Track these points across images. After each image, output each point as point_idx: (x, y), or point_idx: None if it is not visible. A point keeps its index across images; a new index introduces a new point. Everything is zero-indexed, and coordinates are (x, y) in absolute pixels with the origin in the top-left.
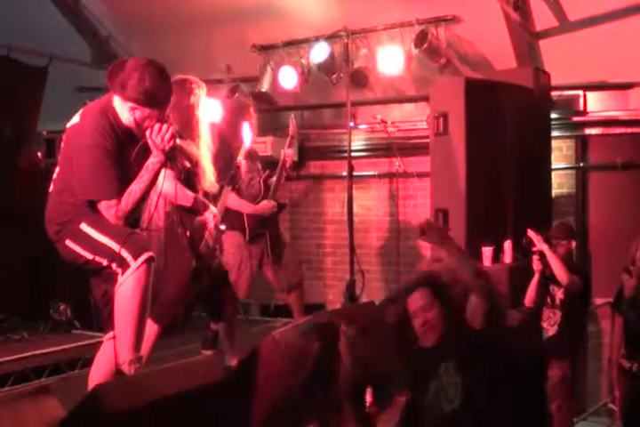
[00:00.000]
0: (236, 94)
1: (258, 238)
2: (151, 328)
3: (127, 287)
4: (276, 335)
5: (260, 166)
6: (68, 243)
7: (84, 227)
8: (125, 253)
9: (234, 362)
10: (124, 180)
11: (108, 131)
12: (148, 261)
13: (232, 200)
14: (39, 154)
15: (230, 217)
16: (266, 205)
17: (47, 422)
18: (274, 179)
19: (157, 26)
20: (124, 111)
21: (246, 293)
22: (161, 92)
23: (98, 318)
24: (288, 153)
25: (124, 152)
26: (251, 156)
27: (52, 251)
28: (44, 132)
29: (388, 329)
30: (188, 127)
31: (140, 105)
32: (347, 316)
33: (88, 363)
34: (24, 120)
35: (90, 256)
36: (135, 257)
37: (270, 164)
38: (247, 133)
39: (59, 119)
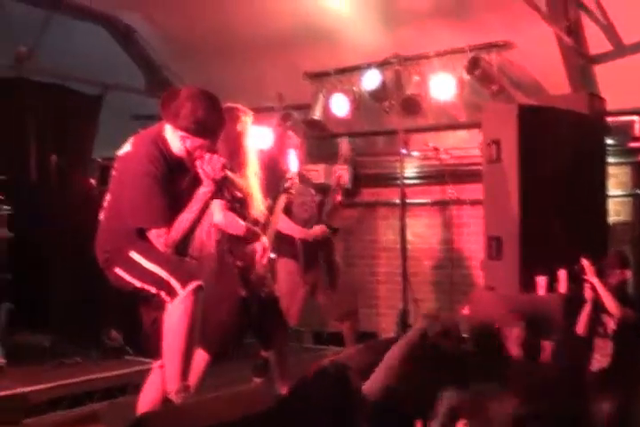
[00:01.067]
0: (288, 122)
1: (311, 265)
2: (201, 356)
3: (175, 316)
4: (326, 363)
5: (313, 192)
6: (118, 270)
7: (134, 255)
8: (174, 282)
9: (284, 390)
10: (175, 208)
11: (159, 159)
12: (197, 289)
13: (283, 224)
14: (93, 181)
15: (283, 244)
16: (317, 229)
17: None
18: (327, 201)
19: (210, 54)
20: (175, 140)
21: (298, 319)
22: (212, 122)
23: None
24: (341, 173)
25: (175, 181)
26: (303, 179)
27: (103, 277)
28: (99, 159)
29: None
30: (235, 155)
31: (191, 134)
32: None
33: (139, 389)
34: (79, 147)
35: (138, 284)
36: (183, 285)
37: (324, 190)
38: (294, 160)
39: (113, 146)
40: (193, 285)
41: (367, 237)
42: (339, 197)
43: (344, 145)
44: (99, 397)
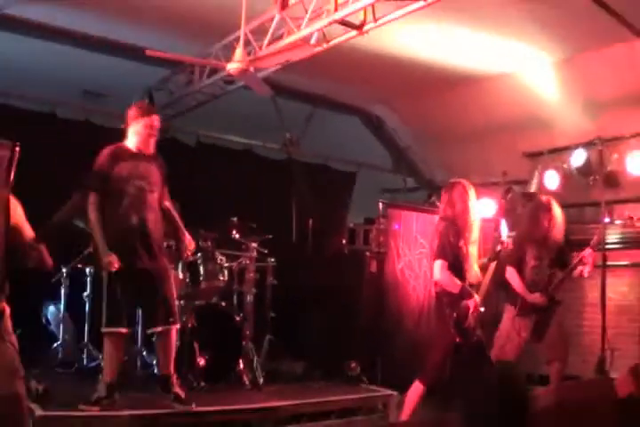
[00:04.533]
0: (509, 195)
1: (528, 315)
2: (417, 389)
3: None
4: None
5: (551, 256)
6: None
7: None
8: None
9: None
10: None
11: None
12: None
13: (512, 278)
14: (344, 242)
15: (510, 292)
16: (537, 298)
17: None
18: (559, 275)
19: (445, 138)
20: None
21: (512, 358)
22: None
23: (382, 375)
24: (587, 259)
25: None
26: (546, 246)
27: (347, 318)
28: (351, 224)
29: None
30: (461, 221)
31: None
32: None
33: (370, 411)
34: (334, 214)
35: None
36: None
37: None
38: (504, 228)
39: (364, 213)
40: None
41: (575, 293)
42: (568, 277)
43: (596, 237)
44: (335, 416)
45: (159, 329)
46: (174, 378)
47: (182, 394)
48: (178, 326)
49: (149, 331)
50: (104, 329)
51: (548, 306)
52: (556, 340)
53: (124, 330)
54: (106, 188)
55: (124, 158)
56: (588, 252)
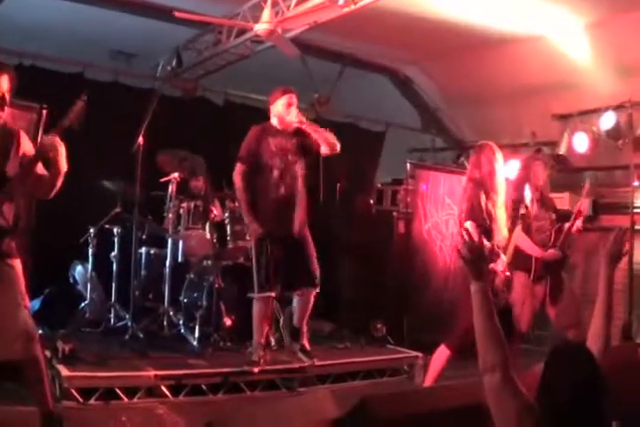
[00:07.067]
0: (539, 156)
1: (541, 280)
2: (443, 352)
3: None
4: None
5: (553, 217)
6: None
7: None
8: None
9: None
10: None
11: None
12: None
13: (524, 243)
14: (371, 201)
15: (521, 259)
16: (551, 253)
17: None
18: (565, 228)
19: (474, 99)
20: None
21: (527, 326)
22: None
23: (408, 336)
24: (583, 208)
25: None
26: (544, 205)
27: (376, 279)
28: (379, 184)
29: None
30: (489, 185)
31: None
32: None
33: (395, 373)
34: (363, 174)
35: None
36: None
37: (566, 216)
38: (527, 190)
39: (392, 173)
40: None
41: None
42: (577, 227)
43: (587, 184)
44: (361, 377)
45: (303, 291)
46: (305, 331)
47: (308, 347)
48: (317, 289)
49: (295, 293)
50: (257, 295)
51: (560, 265)
52: (569, 305)
53: (273, 294)
54: (255, 161)
55: (272, 134)
56: (583, 203)
